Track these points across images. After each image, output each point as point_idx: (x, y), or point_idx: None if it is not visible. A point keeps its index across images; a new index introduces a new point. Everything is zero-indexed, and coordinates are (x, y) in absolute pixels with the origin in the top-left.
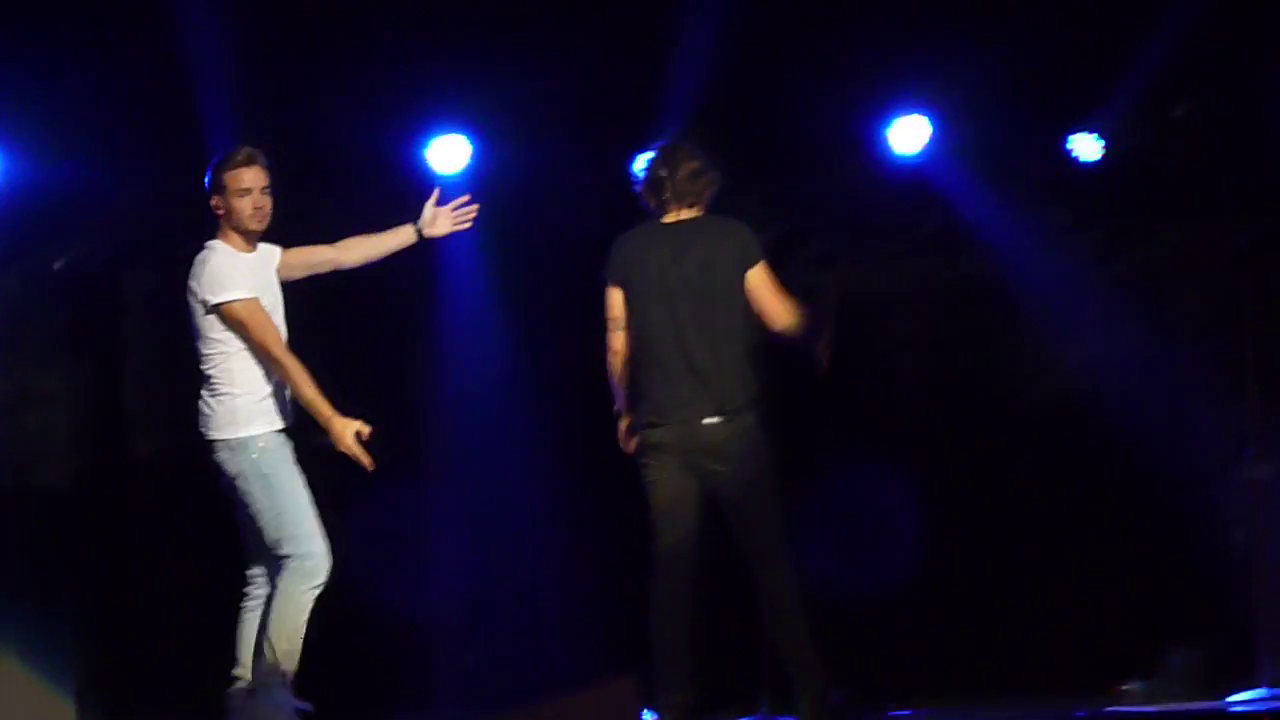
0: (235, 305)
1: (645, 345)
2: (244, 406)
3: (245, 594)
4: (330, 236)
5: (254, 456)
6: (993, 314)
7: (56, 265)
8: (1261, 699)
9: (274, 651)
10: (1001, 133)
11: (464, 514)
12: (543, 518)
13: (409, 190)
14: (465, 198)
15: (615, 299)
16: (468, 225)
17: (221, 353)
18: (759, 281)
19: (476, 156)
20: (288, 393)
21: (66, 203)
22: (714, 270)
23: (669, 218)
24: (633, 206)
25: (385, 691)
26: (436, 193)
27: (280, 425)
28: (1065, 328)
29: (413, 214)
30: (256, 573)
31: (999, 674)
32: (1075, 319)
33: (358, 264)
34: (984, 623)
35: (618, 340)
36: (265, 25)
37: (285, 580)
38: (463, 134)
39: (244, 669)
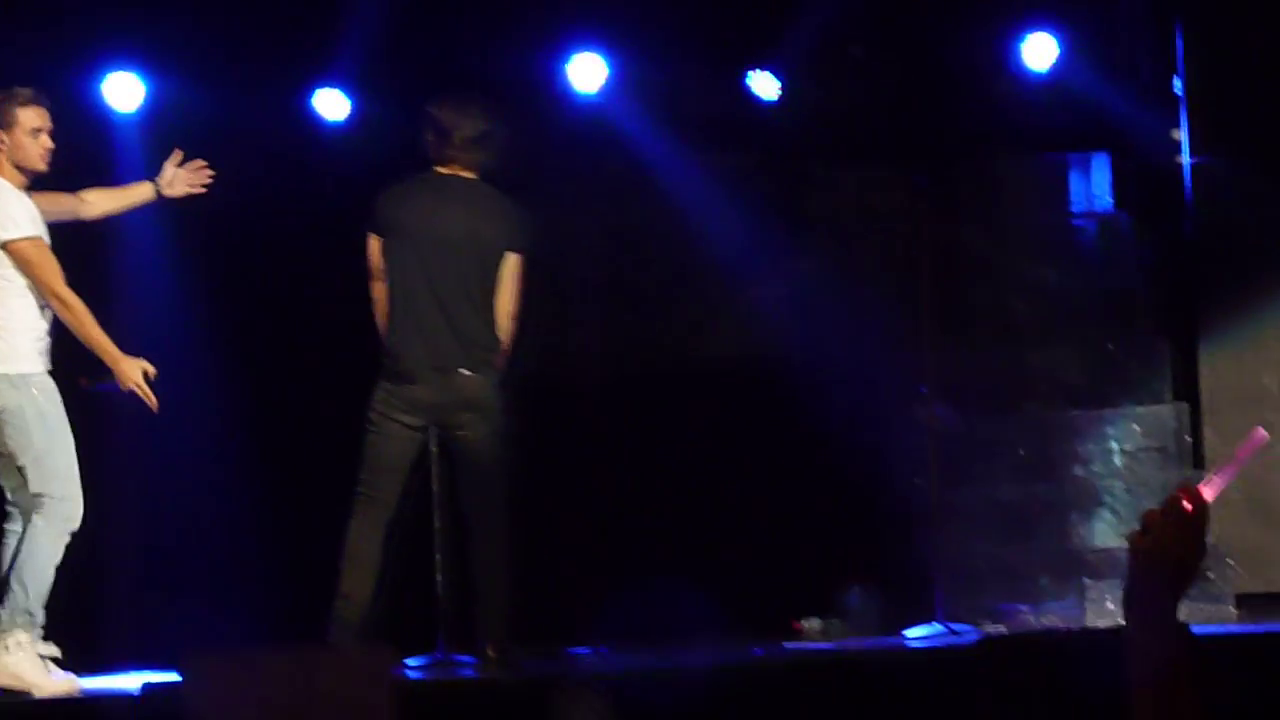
0: (24, 243)
1: (402, 297)
2: (24, 344)
3: (6, 529)
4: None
5: (34, 394)
6: (670, 257)
7: None
8: (937, 634)
9: (26, 593)
10: (678, 71)
11: (142, 463)
12: (221, 472)
13: (84, 129)
14: (202, 162)
15: (373, 248)
16: (203, 190)
17: (1, 290)
18: (511, 272)
19: (151, 94)
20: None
21: None
22: (480, 236)
23: (443, 170)
24: (310, 147)
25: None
26: (177, 154)
27: (50, 367)
28: (744, 271)
29: (87, 153)
30: (16, 509)
31: (679, 616)
32: (754, 262)
33: (97, 218)
34: (664, 564)
35: (378, 291)
36: None
37: (43, 521)
38: (136, 71)
39: None
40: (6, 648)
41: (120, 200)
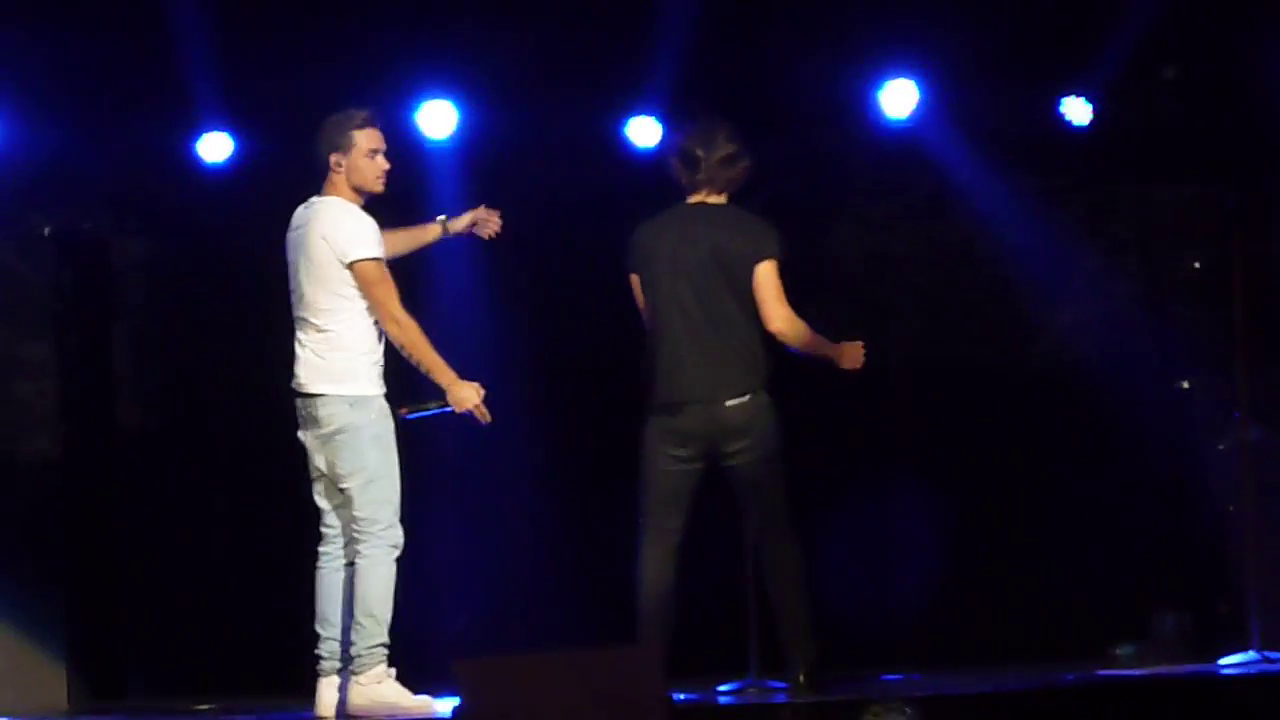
0: (369, 264)
1: (658, 329)
2: (363, 366)
3: (322, 553)
4: None
5: (373, 416)
6: (984, 278)
7: (45, 232)
8: (1252, 662)
9: (379, 625)
10: (992, 96)
11: (453, 479)
12: (529, 484)
13: (399, 157)
14: (497, 212)
15: (635, 286)
16: (487, 234)
17: (344, 309)
18: (763, 278)
19: (464, 121)
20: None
21: (54, 168)
22: (725, 257)
23: (694, 199)
24: (621, 174)
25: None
26: (481, 208)
27: (385, 390)
28: (1056, 292)
29: (400, 180)
30: (333, 531)
31: (991, 638)
32: (1066, 283)
33: (390, 257)
34: (976, 587)
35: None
36: None
37: (373, 550)
38: (450, 99)
39: (331, 628)
40: (379, 680)
41: (411, 242)
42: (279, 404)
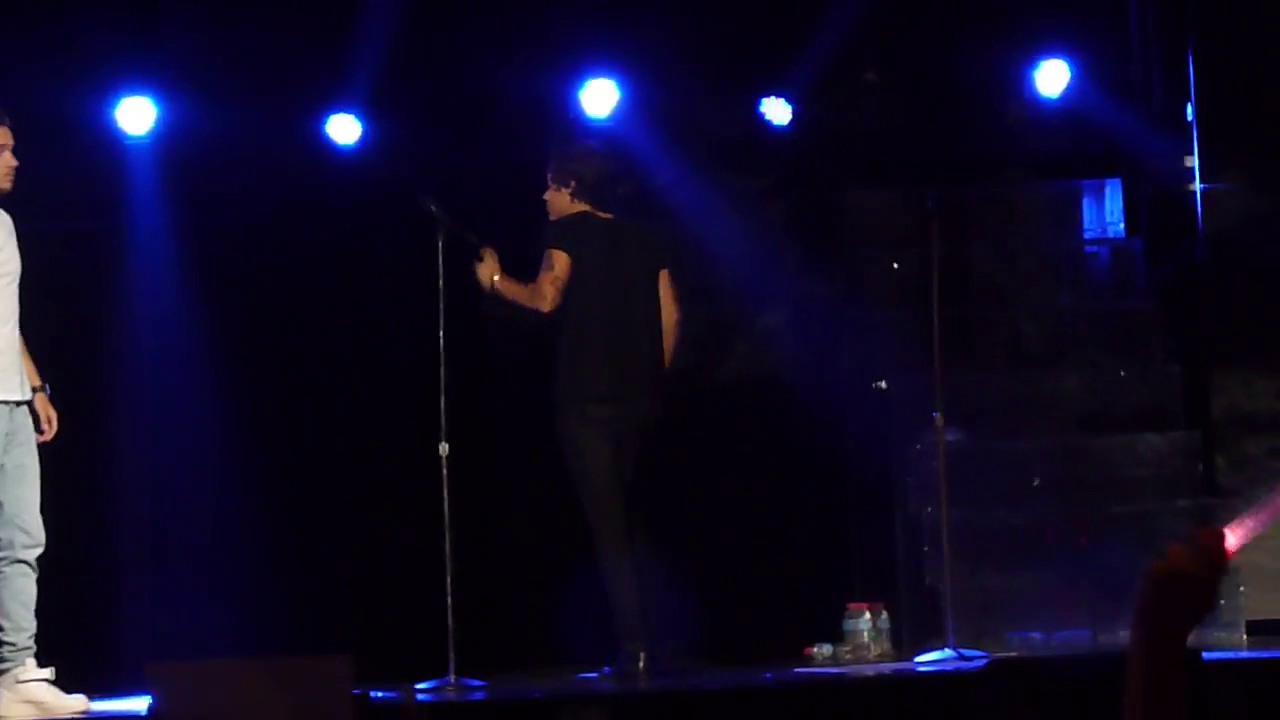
0: None
1: (581, 331)
2: None
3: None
4: (14, 201)
5: None
6: (682, 279)
7: None
8: (947, 659)
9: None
10: (691, 96)
11: (148, 479)
12: (223, 484)
13: (96, 153)
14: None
15: (562, 261)
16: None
17: None
18: (665, 286)
19: (163, 118)
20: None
21: None
22: (641, 268)
23: (597, 215)
24: (320, 170)
25: (75, 647)
26: (49, 422)
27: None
28: (756, 294)
29: (99, 178)
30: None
31: (687, 638)
32: (766, 285)
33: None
34: (673, 588)
35: (552, 286)
36: None
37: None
38: (149, 95)
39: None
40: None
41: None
42: None
